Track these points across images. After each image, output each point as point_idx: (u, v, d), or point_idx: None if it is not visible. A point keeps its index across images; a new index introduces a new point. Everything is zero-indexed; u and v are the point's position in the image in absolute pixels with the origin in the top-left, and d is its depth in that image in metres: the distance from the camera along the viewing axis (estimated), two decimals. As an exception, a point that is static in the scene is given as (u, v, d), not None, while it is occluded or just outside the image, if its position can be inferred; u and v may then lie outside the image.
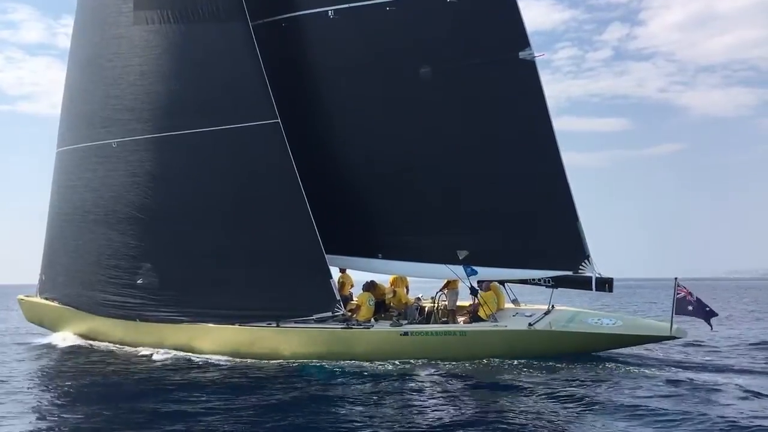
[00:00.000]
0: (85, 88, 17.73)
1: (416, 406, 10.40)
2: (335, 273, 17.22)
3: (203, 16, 15.71)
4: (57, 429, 9.37)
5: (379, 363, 14.11)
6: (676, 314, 13.81)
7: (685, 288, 13.84)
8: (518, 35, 14.47)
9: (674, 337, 14.11)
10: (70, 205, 18.19)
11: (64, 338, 18.90)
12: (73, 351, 17.59)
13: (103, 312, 17.51)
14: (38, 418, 9.99)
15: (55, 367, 15.50)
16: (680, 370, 13.24)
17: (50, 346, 18.53)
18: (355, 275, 17.74)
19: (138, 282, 16.61)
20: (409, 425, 9.12)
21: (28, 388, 12.61)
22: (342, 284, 17.51)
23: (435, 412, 9.90)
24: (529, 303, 16.25)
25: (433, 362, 13.93)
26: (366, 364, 14.13)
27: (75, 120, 18.14)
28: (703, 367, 13.61)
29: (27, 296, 20.51)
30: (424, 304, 16.73)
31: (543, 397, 10.77)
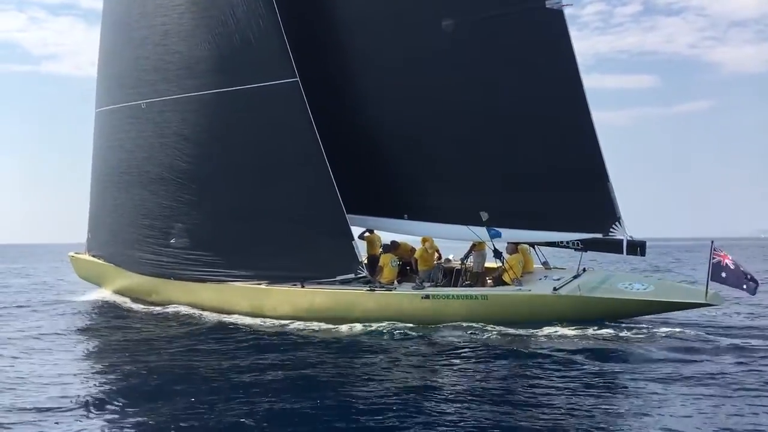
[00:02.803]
0: (116, 50, 17.93)
1: (430, 371, 10.20)
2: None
3: (221, -27, 15.43)
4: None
5: (401, 326, 13.95)
6: (710, 281, 12.96)
7: (722, 253, 12.93)
8: (545, -18, 13.55)
9: (710, 304, 13.28)
10: (108, 165, 18.59)
11: (108, 294, 19.62)
12: (115, 307, 18.21)
13: (141, 270, 17.96)
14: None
15: (98, 324, 16.03)
16: (717, 337, 12.47)
17: (90, 303, 19.20)
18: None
19: (171, 241, 16.89)
20: (420, 392, 8.90)
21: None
22: (370, 244, 17.33)
23: (449, 379, 9.68)
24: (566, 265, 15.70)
25: (455, 326, 13.65)
26: (389, 328, 14.01)
27: (109, 81, 18.39)
28: (736, 336, 12.82)
29: (77, 253, 21.24)
30: (454, 265, 16.36)
31: (561, 365, 10.34)
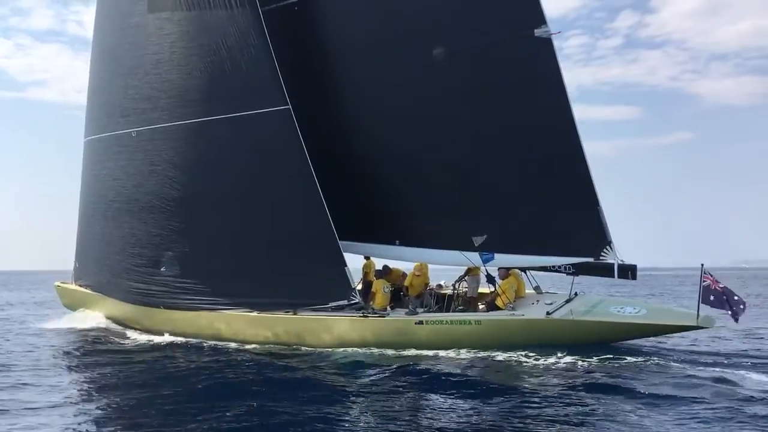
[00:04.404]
0: (105, 78, 17.94)
1: (423, 397, 10.19)
2: (358, 259, 17.15)
3: (213, 2, 15.59)
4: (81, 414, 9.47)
5: (394, 352, 13.94)
6: (701, 304, 13.08)
7: (711, 276, 13.08)
8: (534, 12, 13.83)
9: (701, 327, 13.38)
10: (97, 193, 18.49)
11: (95, 322, 19.37)
12: (101, 336, 17.96)
13: (130, 299, 17.78)
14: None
15: (80, 352, 15.77)
16: (707, 362, 12.58)
17: (75, 331, 18.95)
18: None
19: (161, 270, 16.78)
20: (412, 419, 8.86)
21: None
22: (366, 272, 17.37)
23: (440, 405, 9.68)
24: (557, 290, 15.77)
25: (448, 352, 13.63)
26: (379, 352, 13.98)
27: (98, 110, 18.35)
28: (728, 359, 12.94)
29: (63, 282, 21.03)
30: (445, 291, 16.39)
31: (556, 389, 10.35)
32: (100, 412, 9.61)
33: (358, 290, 15.66)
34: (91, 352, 15.23)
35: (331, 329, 14.86)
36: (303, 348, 14.90)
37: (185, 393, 10.50)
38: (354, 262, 16.18)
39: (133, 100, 16.85)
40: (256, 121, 15.26)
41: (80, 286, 19.85)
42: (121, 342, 16.70)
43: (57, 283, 21.37)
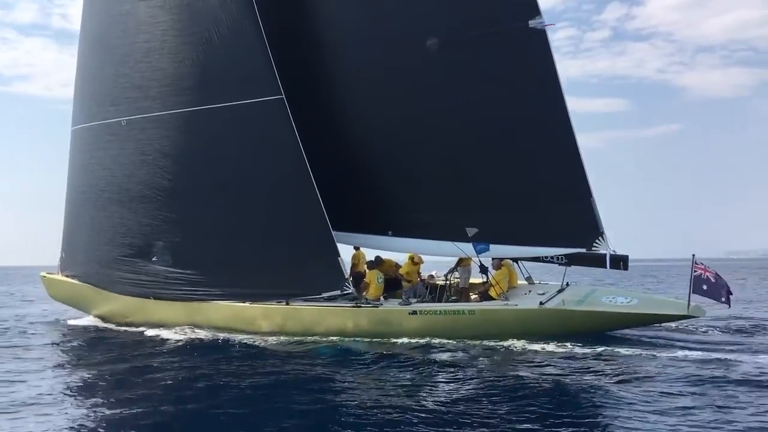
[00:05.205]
0: (95, 67, 17.70)
1: (420, 385, 10.21)
2: (349, 250, 17.14)
3: (206, -10, 15.47)
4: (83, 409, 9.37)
5: (388, 341, 14.01)
6: (692, 293, 13.26)
7: (702, 266, 13.27)
8: (528, 3, 13.87)
9: (691, 316, 13.57)
10: (85, 183, 18.26)
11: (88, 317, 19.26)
12: (93, 330, 17.83)
13: (119, 289, 17.63)
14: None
15: (76, 346, 15.65)
16: (697, 350, 12.75)
17: (74, 326, 18.79)
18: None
19: (152, 260, 16.67)
20: (409, 407, 8.85)
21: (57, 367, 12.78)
22: (356, 262, 17.38)
23: (437, 392, 9.67)
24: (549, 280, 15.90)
25: (442, 341, 13.71)
26: (374, 341, 14.04)
27: (87, 99, 18.12)
28: (720, 347, 13.12)
29: (49, 273, 20.78)
30: (437, 281, 16.46)
31: (547, 377, 10.43)
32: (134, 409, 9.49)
33: None
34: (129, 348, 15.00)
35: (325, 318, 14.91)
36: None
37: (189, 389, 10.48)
38: (343, 253, 16.24)
39: (124, 89, 16.67)
40: (249, 111, 15.17)
41: (67, 276, 19.64)
42: (149, 337, 16.51)
43: (43, 274, 21.12)
